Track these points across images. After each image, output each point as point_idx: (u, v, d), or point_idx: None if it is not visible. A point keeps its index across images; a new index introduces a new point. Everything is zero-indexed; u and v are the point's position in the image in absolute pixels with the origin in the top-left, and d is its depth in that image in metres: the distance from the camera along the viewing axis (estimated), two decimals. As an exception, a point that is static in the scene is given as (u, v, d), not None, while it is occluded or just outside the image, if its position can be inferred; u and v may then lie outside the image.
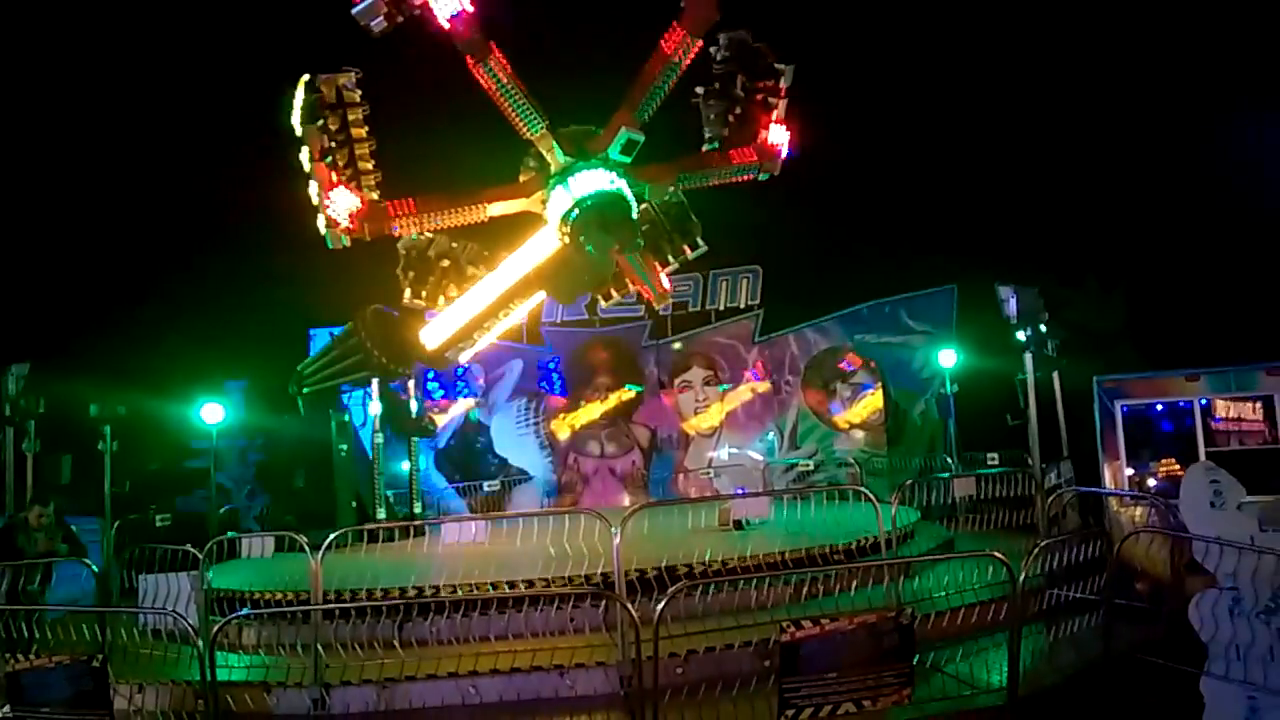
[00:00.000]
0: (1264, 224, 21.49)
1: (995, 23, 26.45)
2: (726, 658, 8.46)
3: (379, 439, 16.83)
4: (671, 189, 15.50)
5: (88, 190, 26.11)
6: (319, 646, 8.68)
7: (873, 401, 22.66)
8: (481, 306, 15.35)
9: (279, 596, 10.57)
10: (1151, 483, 15.87)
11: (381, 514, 16.41)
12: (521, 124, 13.67)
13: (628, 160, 14.02)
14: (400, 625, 9.30)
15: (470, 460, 23.82)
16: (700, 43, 14.43)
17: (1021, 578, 7.60)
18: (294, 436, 18.72)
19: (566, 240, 13.93)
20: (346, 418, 18.57)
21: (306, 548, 9.58)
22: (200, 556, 10.38)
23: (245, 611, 10.29)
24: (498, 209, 14.48)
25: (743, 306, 24.10)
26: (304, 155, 13.45)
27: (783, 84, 15.28)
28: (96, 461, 16.08)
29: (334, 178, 13.43)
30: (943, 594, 9.63)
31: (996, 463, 17.30)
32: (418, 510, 17.28)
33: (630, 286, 16.20)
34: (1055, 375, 16.23)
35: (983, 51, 26.38)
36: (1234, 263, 22.43)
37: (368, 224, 13.56)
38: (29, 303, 23.87)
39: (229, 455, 22.05)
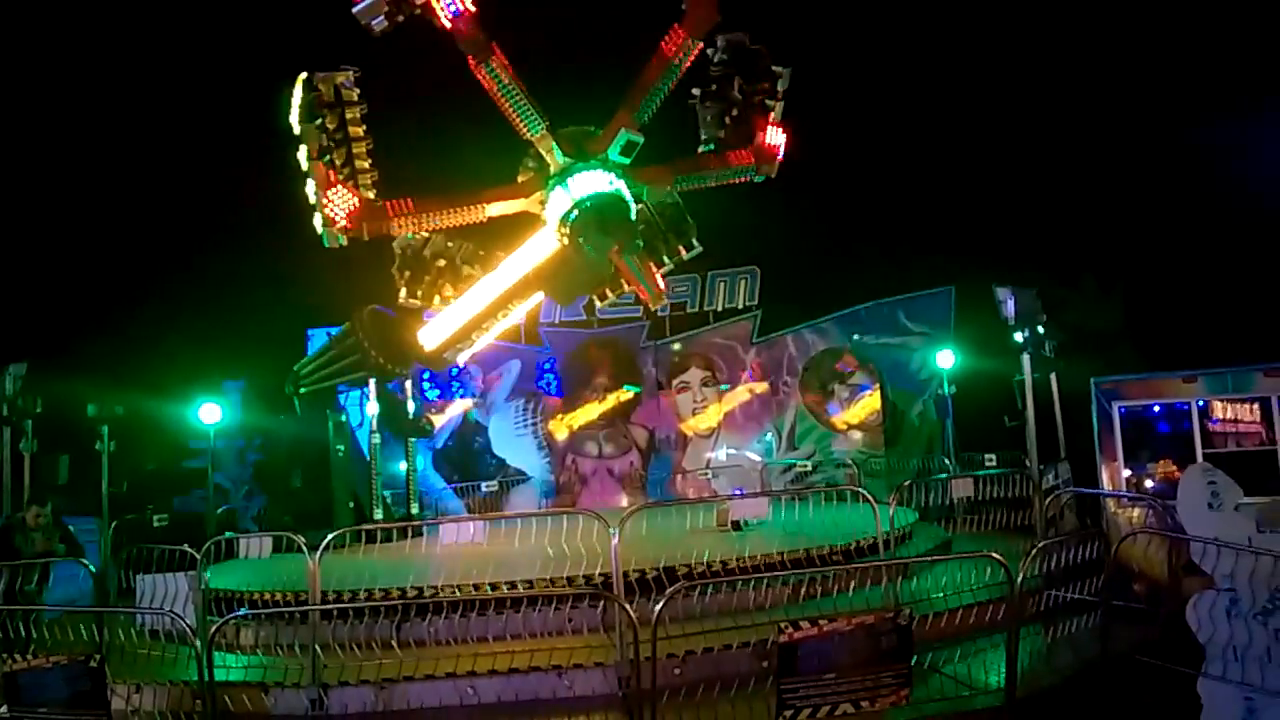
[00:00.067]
0: (1262, 225, 21.53)
1: (993, 23, 26.49)
2: (725, 658, 8.47)
3: (376, 439, 16.83)
4: (668, 190, 15.52)
5: (86, 190, 26.09)
6: (317, 647, 8.68)
7: (871, 402, 22.67)
8: (480, 307, 15.35)
9: (277, 597, 10.56)
10: (1149, 484, 15.89)
11: (379, 514, 16.41)
12: (522, 124, 13.68)
13: (627, 161, 14.03)
14: (398, 625, 9.29)
15: (468, 461, 23.79)
16: (700, 45, 14.46)
17: (1019, 579, 7.61)
18: (291, 437, 18.70)
19: (565, 241, 13.94)
20: (344, 418, 18.55)
21: (304, 548, 9.57)
22: (198, 557, 10.36)
23: (243, 612, 10.28)
24: (496, 209, 14.49)
25: (741, 307, 24.10)
26: (302, 154, 13.45)
27: (780, 86, 15.30)
28: (94, 461, 16.06)
29: (331, 177, 13.43)
30: (941, 595, 9.64)
31: (994, 464, 17.31)
32: (415, 511, 17.26)
33: (626, 287, 16.21)
34: (1053, 376, 16.26)
35: (981, 52, 26.41)
36: (1232, 264, 22.47)
37: (366, 223, 13.57)
38: (27, 302, 23.85)
39: (227, 455, 22.01)
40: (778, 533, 12.33)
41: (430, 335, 15.51)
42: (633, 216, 14.06)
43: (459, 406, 23.86)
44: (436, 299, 16.81)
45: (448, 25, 13.16)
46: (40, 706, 7.06)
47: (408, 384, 17.75)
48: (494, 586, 9.86)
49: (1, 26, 25.12)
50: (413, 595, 9.79)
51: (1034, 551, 8.72)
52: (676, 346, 24.22)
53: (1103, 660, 7.87)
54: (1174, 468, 15.46)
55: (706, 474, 23.21)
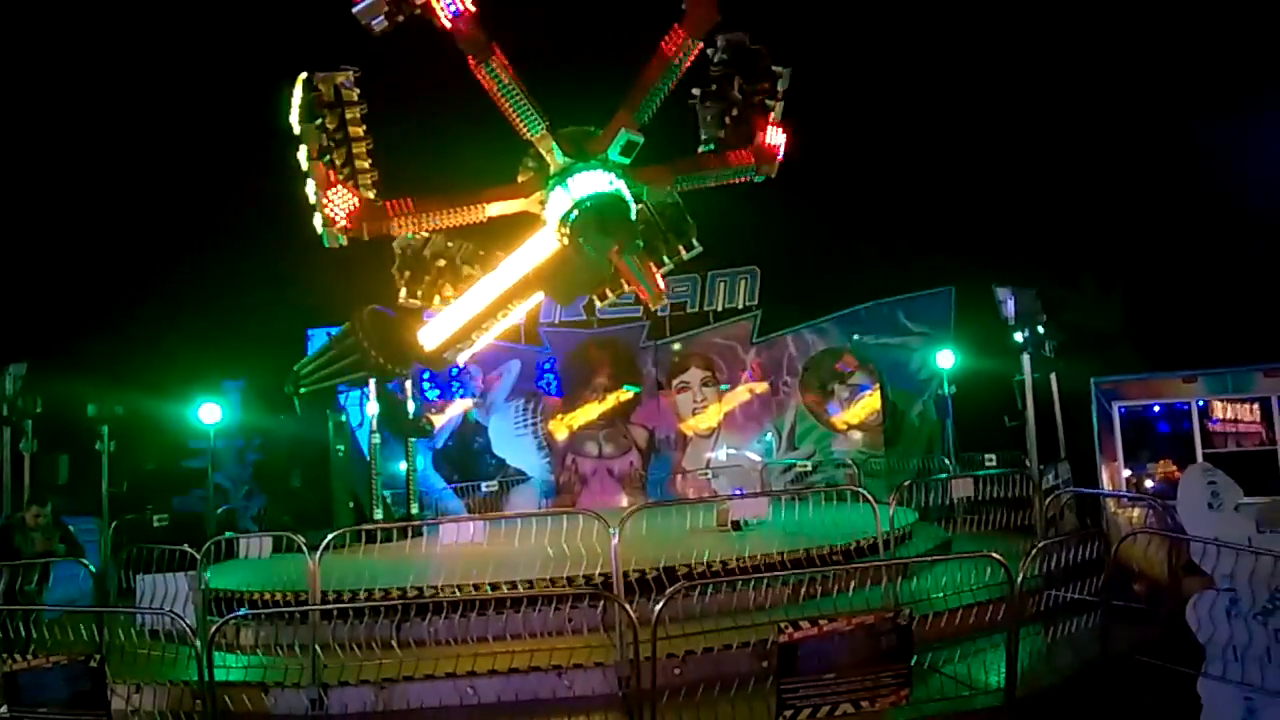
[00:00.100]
0: (1261, 225, 21.53)
1: (992, 23, 26.49)
2: (724, 658, 8.47)
3: (376, 439, 16.83)
4: (668, 190, 15.52)
5: (86, 189, 26.09)
6: (317, 647, 8.68)
7: (871, 402, 22.67)
8: (480, 307, 15.35)
9: (277, 597, 10.56)
10: (1149, 484, 15.89)
11: (379, 514, 16.41)
12: (522, 124, 13.68)
13: (627, 161, 14.03)
14: (398, 625, 9.29)
15: (468, 461, 23.79)
16: (700, 45, 14.46)
17: (1019, 579, 7.61)
18: (291, 437, 18.71)
19: (565, 241, 13.94)
20: (344, 418, 18.56)
21: (304, 548, 9.57)
22: (198, 557, 10.37)
23: (243, 612, 10.28)
24: (496, 209, 14.49)
25: (741, 307, 24.10)
26: (302, 154, 13.45)
27: (780, 86, 15.30)
28: (94, 461, 16.06)
29: (331, 176, 13.43)
30: (940, 595, 9.64)
31: (994, 464, 17.31)
32: (415, 511, 17.27)
33: (626, 287, 16.22)
34: (1053, 376, 16.27)
35: (980, 52, 26.42)
36: (1231, 264, 22.48)
37: (366, 223, 13.56)
38: (26, 302, 23.85)
39: (227, 455, 22.02)
40: (778, 533, 12.33)
41: (430, 335, 15.51)
42: (633, 216, 14.06)
43: (459, 406, 23.86)
44: (436, 299, 16.81)
45: (448, 25, 13.15)
46: (40, 706, 7.06)
47: (408, 384, 17.75)
48: (494, 586, 9.86)
49: (1, 26, 25.13)
50: (413, 595, 9.79)
51: (1034, 551, 8.72)
52: (677, 347, 24.22)
53: (1103, 660, 7.87)
54: (1174, 468, 15.46)
55: (706, 474, 23.21)
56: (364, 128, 14.18)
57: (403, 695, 8.51)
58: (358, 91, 14.02)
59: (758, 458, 22.96)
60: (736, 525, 12.54)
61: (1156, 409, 16.72)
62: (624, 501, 22.91)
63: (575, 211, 13.54)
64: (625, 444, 24.15)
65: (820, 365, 23.27)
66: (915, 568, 10.95)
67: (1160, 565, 9.67)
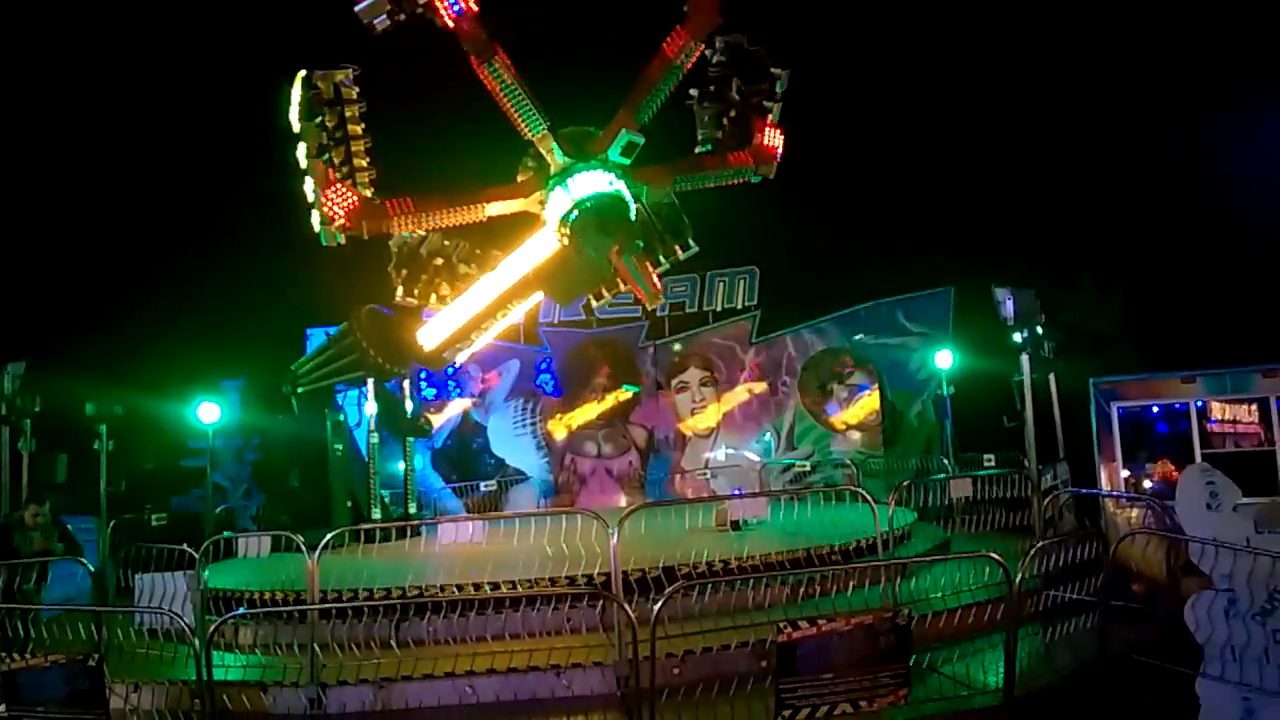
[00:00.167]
0: (1260, 226, 21.55)
1: (992, 23, 26.51)
2: (723, 658, 8.46)
3: (374, 439, 16.82)
4: (666, 190, 15.51)
5: (84, 188, 26.08)
6: (315, 646, 8.67)
7: (869, 403, 22.67)
8: (479, 307, 15.33)
9: (275, 596, 10.55)
10: (1147, 484, 15.91)
11: (377, 514, 16.40)
12: (523, 124, 13.66)
13: (627, 162, 14.02)
14: (397, 625, 9.30)
15: (467, 460, 23.79)
16: (702, 46, 14.47)
17: (1018, 579, 7.62)
18: (290, 436, 18.70)
19: (565, 241, 13.93)
20: (342, 417, 18.55)
21: (303, 547, 9.56)
22: (196, 556, 10.36)
23: (241, 611, 10.27)
24: (496, 209, 14.47)
25: (740, 307, 24.11)
26: (301, 152, 13.43)
27: (778, 88, 15.30)
28: (92, 460, 16.07)
29: (330, 175, 13.41)
30: (939, 595, 9.64)
31: (993, 464, 17.31)
32: (413, 510, 17.26)
33: (622, 286, 16.21)
34: (1052, 377, 16.28)
35: (979, 52, 26.43)
36: (1230, 265, 22.49)
37: (366, 222, 13.54)
38: (25, 301, 23.83)
39: (225, 454, 22.00)
40: (776, 533, 12.33)
41: (429, 335, 15.50)
42: (632, 217, 14.06)
43: (458, 406, 23.86)
44: (433, 298, 16.79)
45: (450, 25, 13.15)
46: (39, 706, 7.06)
47: (406, 384, 17.75)
48: (493, 586, 9.85)
49: (1, 25, 25.11)
50: (411, 595, 9.79)
51: (1032, 552, 8.71)
52: (677, 347, 24.22)
53: (1101, 660, 7.88)
54: (1172, 468, 15.48)
55: (705, 474, 23.21)
56: (363, 126, 14.17)
57: (401, 695, 8.51)
58: (357, 90, 14.01)
59: (756, 458, 22.96)
60: (735, 525, 12.54)
61: (1155, 409, 16.75)
62: (623, 501, 22.91)
63: (575, 212, 13.53)
64: (624, 444, 24.15)
65: (819, 365, 23.27)
66: (914, 568, 10.95)
67: (1159, 565, 9.68)
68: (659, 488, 23.57)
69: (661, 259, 16.33)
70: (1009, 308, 14.56)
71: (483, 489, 22.76)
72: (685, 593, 8.92)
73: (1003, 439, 18.00)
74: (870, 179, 26.23)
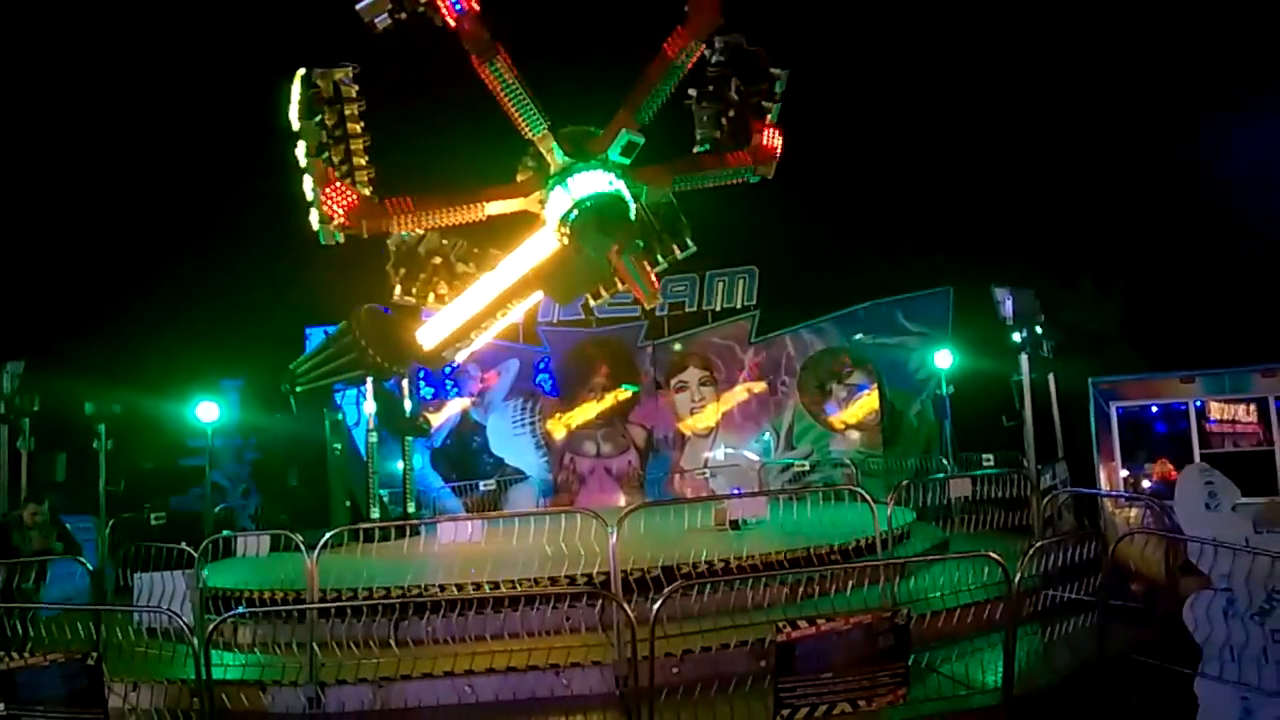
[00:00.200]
0: (1259, 226, 21.56)
1: (991, 23, 26.51)
2: (722, 657, 8.47)
3: (373, 438, 16.82)
4: (664, 190, 15.52)
5: (84, 187, 26.06)
6: (314, 645, 8.67)
7: (869, 402, 22.67)
8: (479, 306, 15.34)
9: (274, 595, 10.55)
10: (1146, 484, 15.90)
11: (375, 513, 16.40)
12: (524, 124, 13.67)
13: (627, 162, 14.03)
14: (396, 624, 9.30)
15: (466, 459, 23.78)
16: (703, 47, 14.49)
17: (1017, 578, 7.63)
18: (289, 435, 18.69)
19: (565, 241, 13.93)
20: (340, 416, 18.54)
21: (302, 546, 9.56)
22: (195, 555, 10.36)
23: (240, 610, 10.26)
24: (496, 208, 14.48)
25: (739, 307, 24.11)
26: (300, 150, 13.43)
27: (777, 88, 15.31)
28: (91, 460, 16.05)
29: (330, 173, 13.41)
30: (938, 594, 9.64)
31: (992, 464, 17.32)
32: (412, 509, 17.27)
33: (620, 286, 16.21)
34: (1051, 377, 16.28)
35: (979, 52, 26.43)
36: (1229, 265, 22.50)
37: (365, 221, 13.54)
38: (24, 300, 23.81)
39: (224, 454, 21.99)
40: (776, 532, 12.34)
41: (429, 334, 15.50)
42: (632, 217, 14.06)
43: (457, 405, 23.87)
44: (431, 297, 16.79)
45: (452, 24, 13.15)
46: (37, 705, 7.06)
47: (405, 383, 17.74)
48: (492, 585, 9.85)
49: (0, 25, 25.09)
50: (410, 594, 9.79)
51: (1031, 551, 8.73)
52: (677, 346, 24.23)
53: (1100, 660, 7.89)
54: (1171, 468, 15.48)
55: (704, 473, 23.21)
56: (362, 125, 14.17)
57: (400, 694, 8.51)
58: (357, 88, 14.01)
59: (756, 457, 22.96)
60: (734, 525, 12.54)
61: (1154, 409, 16.75)
62: (622, 500, 22.91)
63: (575, 211, 13.53)
64: (623, 443, 24.15)
65: (818, 365, 23.28)
66: (913, 567, 10.96)
67: (1157, 565, 9.68)
68: (658, 487, 23.57)
69: (659, 258, 16.33)
70: (1008, 308, 14.54)
71: (482, 488, 22.75)
72: (684, 592, 8.92)
73: (1002, 439, 18.00)
74: (869, 179, 26.23)
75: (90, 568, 10.96)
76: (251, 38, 26.00)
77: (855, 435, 22.74)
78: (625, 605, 7.55)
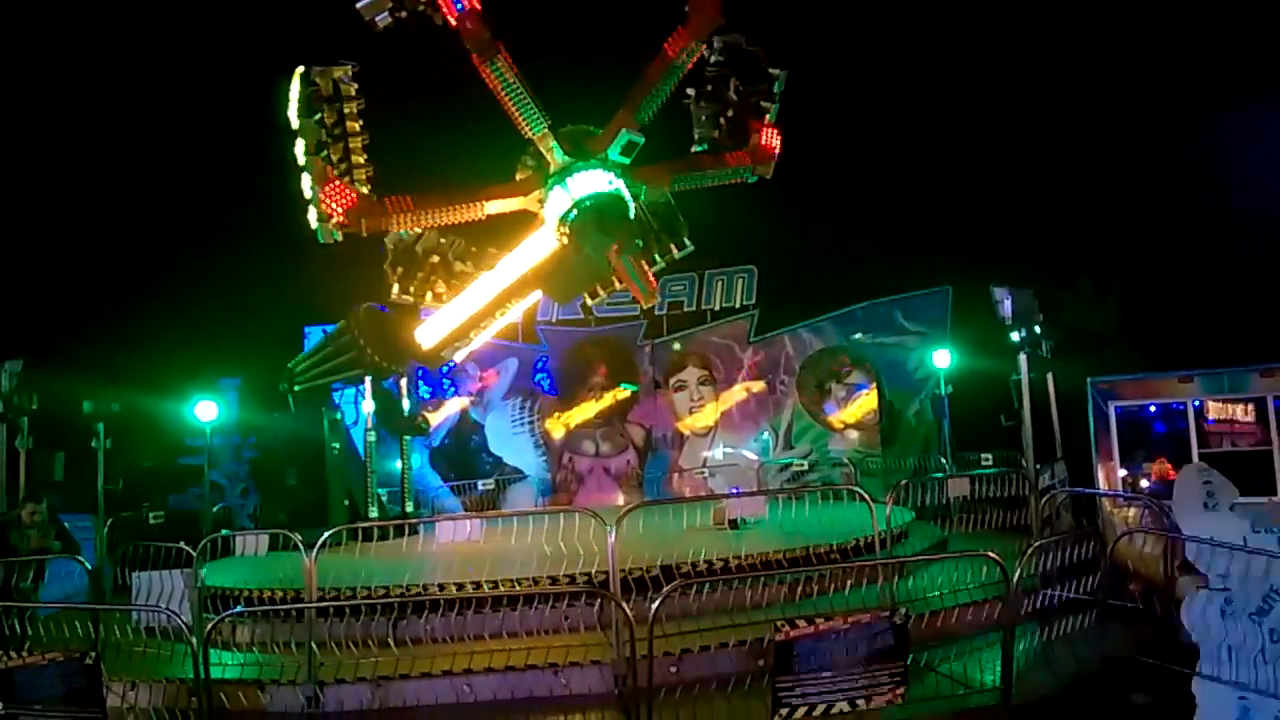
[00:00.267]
0: (1258, 226, 21.57)
1: (990, 23, 26.51)
2: (721, 657, 8.48)
3: (372, 437, 16.81)
4: (663, 190, 15.52)
5: (83, 186, 26.03)
6: (313, 644, 8.67)
7: (867, 402, 22.69)
8: (478, 306, 15.33)
9: (273, 594, 10.56)
10: (1145, 484, 15.91)
11: (374, 512, 16.39)
12: (524, 123, 13.66)
13: (627, 161, 14.02)
14: (394, 623, 9.31)
15: (465, 459, 23.79)
16: (704, 47, 14.49)
17: (1015, 578, 7.64)
18: (288, 434, 18.68)
19: (565, 240, 13.93)
20: (339, 415, 18.53)
21: (301, 546, 9.56)
22: (194, 554, 10.36)
23: (239, 609, 10.26)
24: (495, 207, 14.46)
25: (738, 306, 24.12)
26: (299, 148, 13.42)
27: (776, 89, 15.31)
28: (90, 458, 16.02)
29: (329, 172, 13.40)
30: (937, 594, 9.65)
31: (990, 463, 17.32)
32: (410, 509, 17.26)
33: (617, 285, 16.20)
34: (1049, 376, 16.28)
35: (978, 52, 26.43)
36: (1228, 265, 22.51)
37: (365, 219, 13.54)
38: (22, 299, 23.79)
39: (223, 452, 22.00)
40: (774, 531, 12.34)
41: (428, 333, 15.50)
42: (631, 216, 14.06)
43: (455, 404, 23.87)
44: (429, 295, 16.79)
45: (453, 23, 13.14)
46: (35, 704, 7.07)
47: (403, 382, 17.74)
48: (491, 585, 9.85)
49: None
50: (409, 593, 9.79)
51: (1030, 551, 8.74)
52: (676, 346, 24.23)
53: (1098, 659, 7.90)
54: (1169, 467, 15.48)
55: (703, 473, 23.22)
56: (361, 123, 14.16)
57: (399, 693, 8.51)
58: (356, 86, 13.99)
59: (754, 456, 22.98)
60: (733, 524, 12.56)
61: (1152, 409, 16.76)
62: (621, 500, 22.91)
63: (574, 211, 13.54)
64: (622, 442, 24.16)
65: (817, 364, 23.29)
66: (911, 567, 10.97)
67: (1156, 565, 9.69)
68: (657, 486, 23.57)
69: (657, 258, 16.33)
70: (1007, 307, 14.55)
71: (480, 487, 22.74)
72: (683, 591, 8.93)
73: (1000, 438, 18.00)
74: (868, 179, 26.22)
75: (89, 567, 10.96)
76: (250, 36, 25.99)
77: (854, 435, 22.76)
78: (624, 604, 7.56)
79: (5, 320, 21.84)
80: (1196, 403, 15.91)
